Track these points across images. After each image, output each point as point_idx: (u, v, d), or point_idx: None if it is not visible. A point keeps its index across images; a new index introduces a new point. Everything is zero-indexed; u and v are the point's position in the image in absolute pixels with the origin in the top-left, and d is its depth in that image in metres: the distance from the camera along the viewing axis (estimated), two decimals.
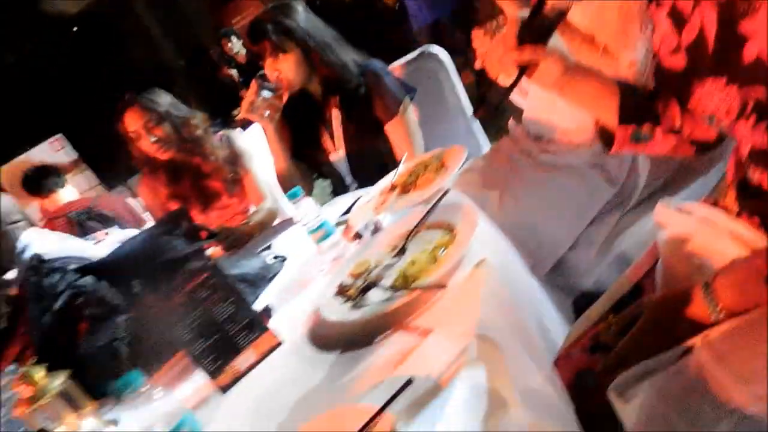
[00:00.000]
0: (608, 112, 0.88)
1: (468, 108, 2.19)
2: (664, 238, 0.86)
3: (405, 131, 1.87)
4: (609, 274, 1.37)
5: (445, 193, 1.19)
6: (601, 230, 1.40)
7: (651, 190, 1.39)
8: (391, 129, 1.88)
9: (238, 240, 1.85)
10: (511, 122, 1.69)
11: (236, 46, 6.01)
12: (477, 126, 2.25)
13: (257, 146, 2.23)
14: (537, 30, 0.85)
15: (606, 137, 0.94)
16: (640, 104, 0.86)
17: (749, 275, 0.70)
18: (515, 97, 1.65)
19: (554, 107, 1.46)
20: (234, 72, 6.04)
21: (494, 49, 0.90)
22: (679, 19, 0.81)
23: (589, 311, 0.97)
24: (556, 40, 0.87)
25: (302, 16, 1.84)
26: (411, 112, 1.89)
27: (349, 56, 1.87)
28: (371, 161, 1.92)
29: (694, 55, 0.80)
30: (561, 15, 0.85)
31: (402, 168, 1.54)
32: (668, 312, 0.76)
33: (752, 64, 0.71)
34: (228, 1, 7.89)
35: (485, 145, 2.24)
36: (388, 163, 1.82)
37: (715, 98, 0.78)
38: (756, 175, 0.78)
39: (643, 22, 1.27)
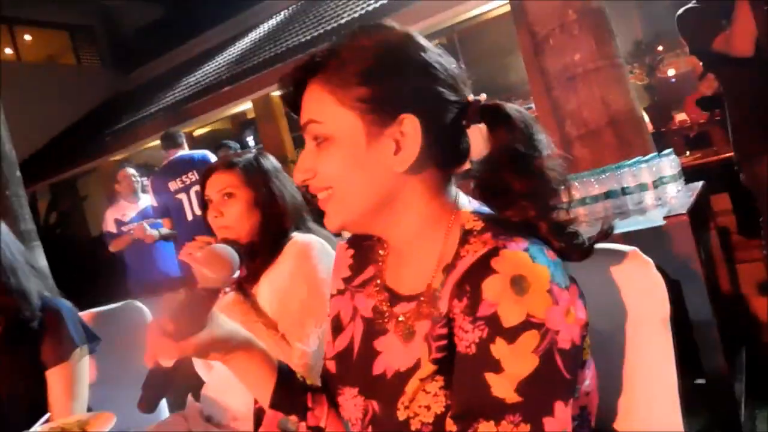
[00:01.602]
0: (263, 393, 0.86)
1: None
2: None
3: (69, 382, 1.60)
4: None
5: None
6: None
7: None
8: (55, 376, 1.61)
9: None
10: (189, 398, 1.57)
11: None
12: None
13: None
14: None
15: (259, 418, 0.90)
16: (294, 395, 0.86)
17: None
18: (200, 370, 1.57)
19: (231, 387, 1.40)
20: None
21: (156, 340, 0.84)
22: (337, 326, 0.88)
23: None
24: (225, 318, 0.86)
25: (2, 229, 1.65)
26: (84, 364, 1.66)
27: (35, 285, 1.67)
28: (19, 407, 1.58)
29: (342, 360, 0.85)
30: (214, 293, 0.85)
31: (37, 427, 1.28)
32: None
33: (378, 376, 0.77)
34: None
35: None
36: (38, 414, 1.51)
37: (350, 404, 0.81)
38: None
39: (318, 319, 1.37)
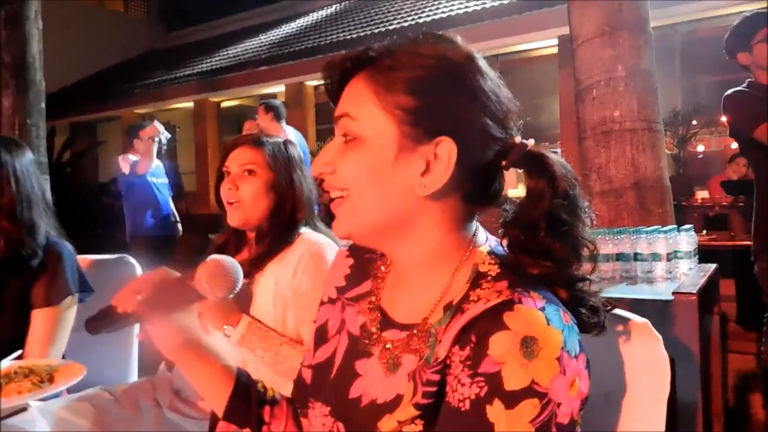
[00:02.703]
0: (217, 399, 0.83)
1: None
2: None
3: (51, 327, 1.58)
4: None
5: (20, 411, 0.96)
6: None
7: None
8: (39, 318, 1.59)
9: None
10: (162, 366, 1.55)
11: None
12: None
13: None
14: None
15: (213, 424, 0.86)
16: (250, 407, 0.83)
17: None
18: None
19: None
20: None
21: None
22: (322, 336, 0.83)
23: None
24: (187, 315, 0.84)
25: (28, 158, 1.63)
26: (71, 312, 1.63)
27: (45, 223, 1.64)
28: None
29: (319, 373, 0.81)
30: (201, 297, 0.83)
31: (5, 363, 1.26)
32: None
33: (353, 400, 0.72)
34: None
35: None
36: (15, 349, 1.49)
37: (319, 422, 0.77)
38: None
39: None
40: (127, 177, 4.60)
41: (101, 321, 0.83)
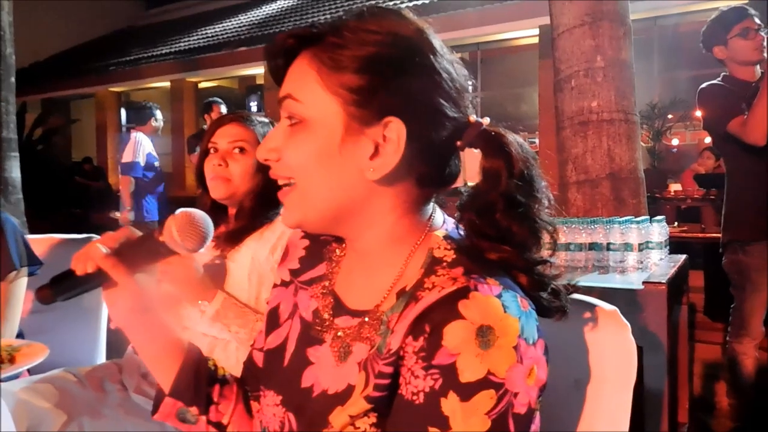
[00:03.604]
0: (165, 374, 0.79)
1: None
2: None
3: (1, 303, 1.53)
4: None
5: None
6: None
7: None
8: None
9: None
10: (130, 349, 1.52)
11: None
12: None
13: None
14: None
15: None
16: (199, 385, 0.80)
17: None
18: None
19: None
20: None
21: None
22: (274, 321, 0.80)
23: None
24: (148, 278, 0.81)
25: None
26: (19, 286, 1.59)
27: None
28: None
29: (271, 360, 0.78)
30: (170, 251, 0.79)
31: None
32: None
33: (305, 390, 0.70)
34: None
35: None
36: None
37: (270, 412, 0.74)
38: None
39: None
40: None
41: (56, 287, 0.76)
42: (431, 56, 0.65)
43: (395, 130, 0.63)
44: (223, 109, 4.88)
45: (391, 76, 0.64)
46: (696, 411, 2.59)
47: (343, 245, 0.77)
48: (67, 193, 9.19)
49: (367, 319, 0.68)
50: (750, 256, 2.30)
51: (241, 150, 1.40)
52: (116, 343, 1.92)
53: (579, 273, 1.95)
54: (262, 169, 1.39)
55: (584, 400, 0.84)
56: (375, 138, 0.64)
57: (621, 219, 2.03)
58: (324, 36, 0.65)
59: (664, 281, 1.70)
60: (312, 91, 0.65)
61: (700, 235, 3.74)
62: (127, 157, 4.63)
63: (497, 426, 0.56)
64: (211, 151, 1.42)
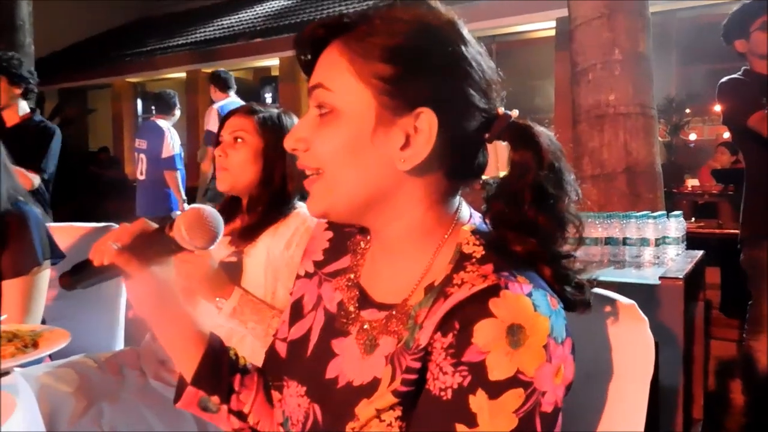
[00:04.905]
0: (187, 363, 0.80)
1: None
2: None
3: (24, 297, 1.53)
4: None
5: (2, 375, 0.95)
6: None
7: None
8: (10, 288, 1.54)
9: None
10: (148, 336, 1.54)
11: None
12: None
13: None
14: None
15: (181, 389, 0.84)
16: (221, 375, 0.80)
17: None
18: None
19: None
20: None
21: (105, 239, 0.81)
22: (298, 312, 0.81)
23: None
24: (165, 269, 0.81)
25: None
26: (42, 279, 1.60)
27: (6, 185, 1.57)
28: None
29: (294, 351, 0.79)
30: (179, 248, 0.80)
31: None
32: None
33: (330, 381, 0.71)
34: None
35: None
36: None
37: (294, 402, 0.75)
38: None
39: None
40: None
41: (76, 275, 0.79)
42: (462, 47, 0.65)
43: (427, 120, 0.63)
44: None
45: (423, 66, 0.64)
46: (711, 407, 2.57)
47: (368, 237, 0.77)
48: (82, 182, 9.28)
49: (394, 312, 0.68)
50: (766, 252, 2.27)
51: (240, 139, 1.43)
52: (134, 333, 1.95)
53: (594, 267, 1.94)
54: (262, 156, 1.42)
55: (601, 393, 0.84)
56: (406, 128, 0.64)
57: (638, 214, 2.01)
58: (355, 25, 0.65)
59: (680, 277, 1.69)
60: (344, 81, 0.65)
61: (717, 231, 3.70)
62: (167, 152, 4.64)
63: (524, 424, 0.56)
64: (220, 143, 1.47)
